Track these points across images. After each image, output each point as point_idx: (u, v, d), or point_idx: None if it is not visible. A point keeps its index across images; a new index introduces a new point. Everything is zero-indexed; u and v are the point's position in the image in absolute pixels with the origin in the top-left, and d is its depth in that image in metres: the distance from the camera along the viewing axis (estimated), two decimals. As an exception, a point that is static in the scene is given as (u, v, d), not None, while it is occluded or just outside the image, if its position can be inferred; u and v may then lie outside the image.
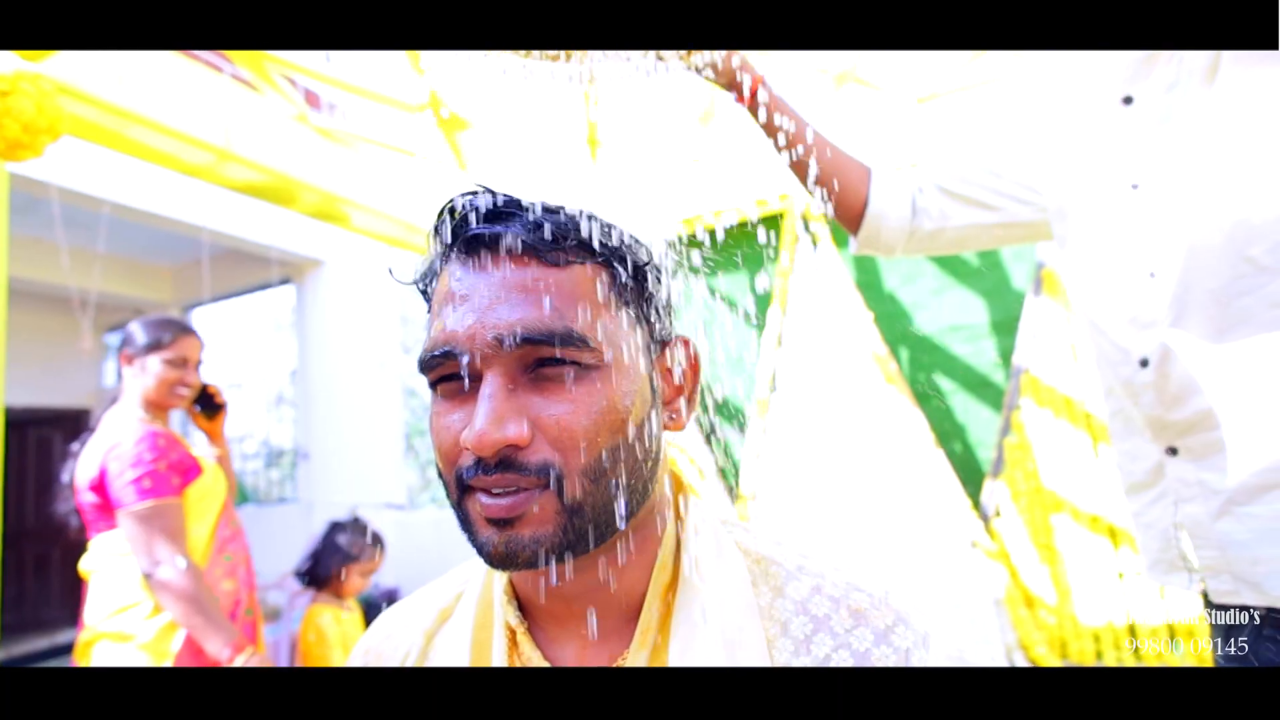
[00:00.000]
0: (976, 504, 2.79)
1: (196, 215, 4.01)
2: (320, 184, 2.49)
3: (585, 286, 0.40)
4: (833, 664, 0.41)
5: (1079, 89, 0.82)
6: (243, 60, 2.07)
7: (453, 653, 0.45)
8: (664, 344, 0.45)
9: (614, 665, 0.43)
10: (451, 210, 0.42)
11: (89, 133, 1.64)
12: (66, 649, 5.12)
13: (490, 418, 0.37)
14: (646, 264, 0.44)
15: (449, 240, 0.42)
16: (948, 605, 2.67)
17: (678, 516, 0.47)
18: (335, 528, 2.19)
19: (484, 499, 0.39)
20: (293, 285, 5.36)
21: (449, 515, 0.41)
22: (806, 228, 3.18)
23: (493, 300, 0.39)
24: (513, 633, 0.45)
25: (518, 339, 0.38)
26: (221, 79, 2.25)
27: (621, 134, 2.78)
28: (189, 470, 1.49)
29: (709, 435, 3.44)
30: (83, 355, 5.08)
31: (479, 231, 0.41)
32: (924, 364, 3.04)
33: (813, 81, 2.55)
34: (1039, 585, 2.66)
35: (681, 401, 0.45)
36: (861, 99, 2.72)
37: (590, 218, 0.43)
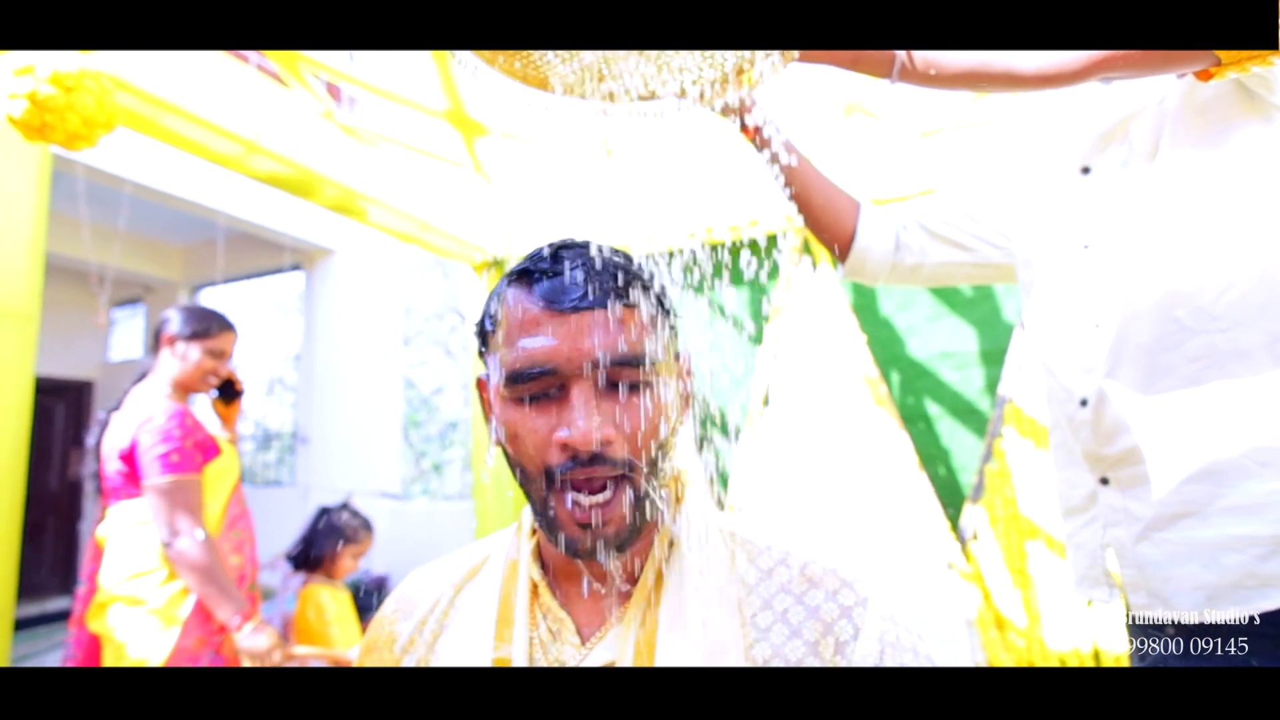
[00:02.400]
0: (955, 526, 2.87)
1: (214, 199, 4.10)
2: (341, 179, 2.58)
3: (645, 319, 0.52)
4: (789, 617, 0.52)
5: (1048, 156, 0.91)
6: (275, 56, 2.16)
7: (480, 601, 0.56)
8: (678, 357, 0.57)
9: (618, 612, 0.53)
10: (536, 258, 0.54)
11: (136, 124, 1.73)
12: (56, 616, 5.18)
13: (589, 419, 0.48)
14: (668, 297, 0.56)
15: (536, 281, 0.52)
16: (920, 621, 2.75)
17: (677, 500, 0.58)
18: (325, 513, 2.27)
19: (578, 498, 0.49)
20: (303, 272, 5.44)
21: (440, 507, 0.53)
22: (808, 250, 3.27)
23: (581, 330, 0.50)
24: (535, 586, 0.56)
25: (607, 361, 0.49)
26: (249, 70, 2.34)
27: (635, 145, 2.87)
28: (210, 449, 1.58)
29: (700, 444, 3.53)
30: (94, 328, 5.15)
31: (567, 277, 0.51)
32: (913, 388, 3.13)
33: (821, 110, 2.65)
34: (1010, 608, 2.74)
35: (685, 408, 0.57)
36: (868, 129, 2.82)
37: (642, 267, 0.54)
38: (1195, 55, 0.58)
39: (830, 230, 1.03)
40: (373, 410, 5.18)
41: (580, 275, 0.51)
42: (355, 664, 0.62)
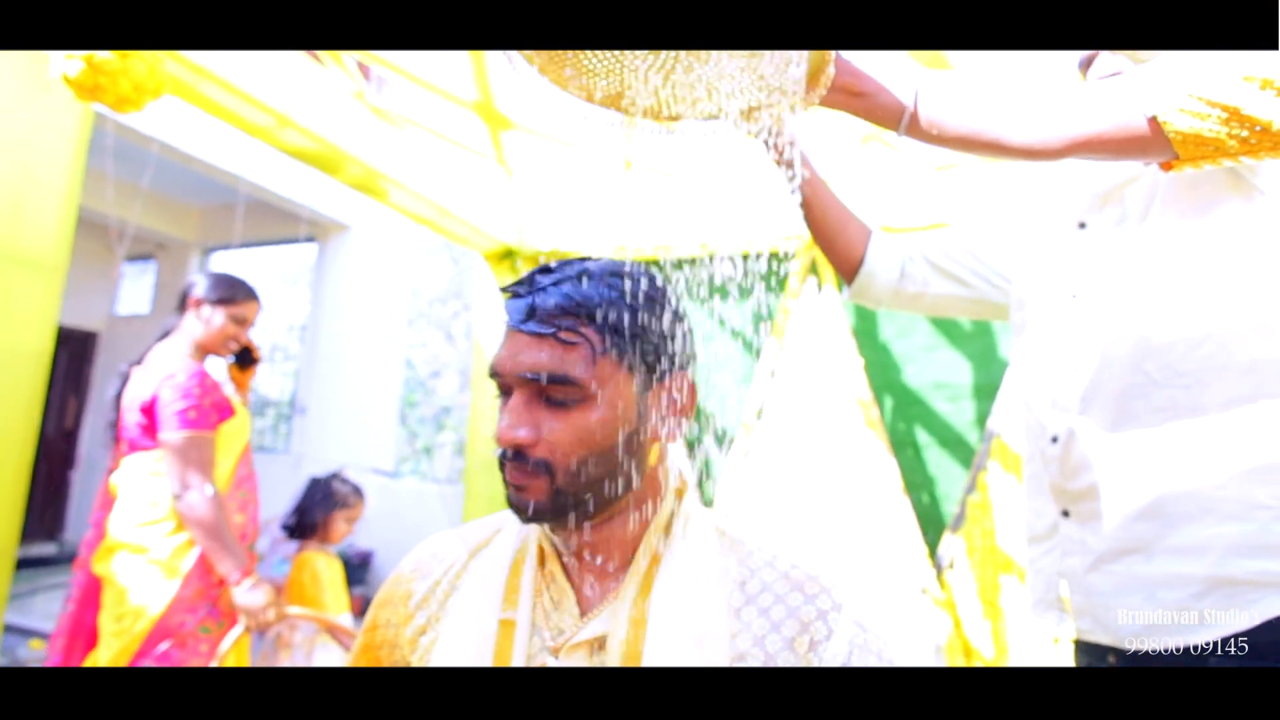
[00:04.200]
0: (933, 554, 2.93)
1: (237, 165, 4.15)
2: (365, 158, 2.64)
3: (588, 346, 0.58)
4: (771, 613, 0.58)
5: (1050, 208, 0.97)
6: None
7: (492, 567, 0.63)
8: (664, 377, 0.62)
9: (615, 591, 0.59)
10: (521, 278, 0.62)
11: (177, 90, 1.79)
12: (41, 561, 5.22)
13: (508, 422, 0.57)
14: (650, 321, 0.61)
15: (512, 298, 0.62)
16: (891, 642, 2.80)
17: (679, 497, 0.65)
18: (317, 482, 2.32)
19: (510, 470, 0.59)
20: (316, 244, 5.50)
21: (430, 488, 0.63)
22: (815, 271, 3.33)
23: (523, 346, 0.58)
24: (543, 553, 0.63)
25: (531, 376, 0.57)
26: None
27: (655, 158, 2.93)
28: (225, 410, 1.64)
29: (693, 450, 3.58)
30: (105, 280, 5.20)
31: (528, 295, 0.60)
32: (905, 415, 3.19)
33: (839, 137, 2.71)
34: (979, 638, 2.80)
35: (673, 423, 0.62)
36: (883, 160, 2.88)
37: (611, 283, 0.60)
38: (1157, 150, 0.64)
39: (841, 252, 1.09)
40: (371, 387, 5.23)
41: (540, 301, 0.59)
42: (369, 616, 0.68)
